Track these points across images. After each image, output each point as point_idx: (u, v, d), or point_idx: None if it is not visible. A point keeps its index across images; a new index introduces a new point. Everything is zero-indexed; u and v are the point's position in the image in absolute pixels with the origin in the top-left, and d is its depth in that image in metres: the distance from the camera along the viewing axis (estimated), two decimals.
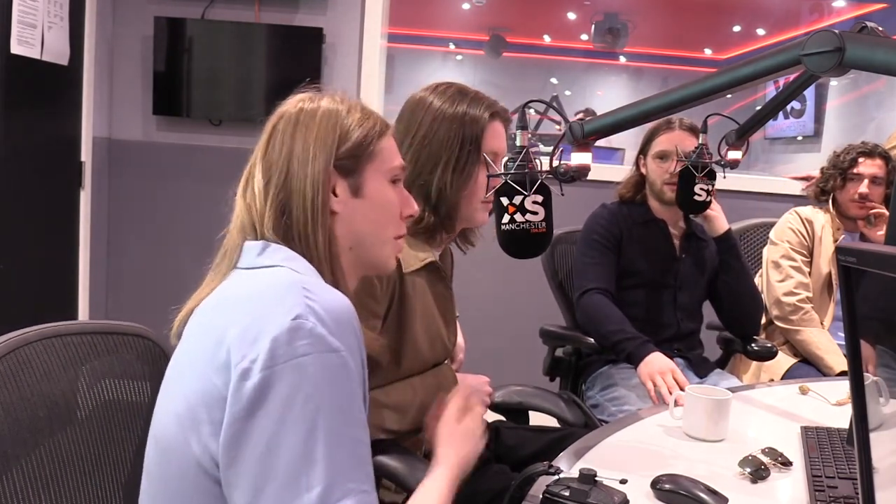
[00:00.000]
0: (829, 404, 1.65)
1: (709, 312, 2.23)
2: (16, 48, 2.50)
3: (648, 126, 2.14)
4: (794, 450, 1.33)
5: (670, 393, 1.65)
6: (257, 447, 0.79)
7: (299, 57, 3.14)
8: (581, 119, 1.41)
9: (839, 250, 0.75)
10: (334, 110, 1.01)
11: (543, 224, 1.26)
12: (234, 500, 0.82)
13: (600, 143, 1.72)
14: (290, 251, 0.95)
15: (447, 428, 1.13)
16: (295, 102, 1.02)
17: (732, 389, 1.53)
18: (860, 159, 2.36)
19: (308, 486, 0.79)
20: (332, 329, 0.84)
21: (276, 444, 0.79)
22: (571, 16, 7.57)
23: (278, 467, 0.79)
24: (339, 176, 0.99)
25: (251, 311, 0.85)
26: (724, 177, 1.96)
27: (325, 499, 0.79)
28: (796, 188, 3.11)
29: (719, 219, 2.10)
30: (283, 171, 0.97)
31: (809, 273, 2.40)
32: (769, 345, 2.15)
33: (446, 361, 1.52)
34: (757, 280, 2.47)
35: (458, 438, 1.11)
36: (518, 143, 1.28)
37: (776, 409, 1.61)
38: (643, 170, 2.16)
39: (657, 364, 1.80)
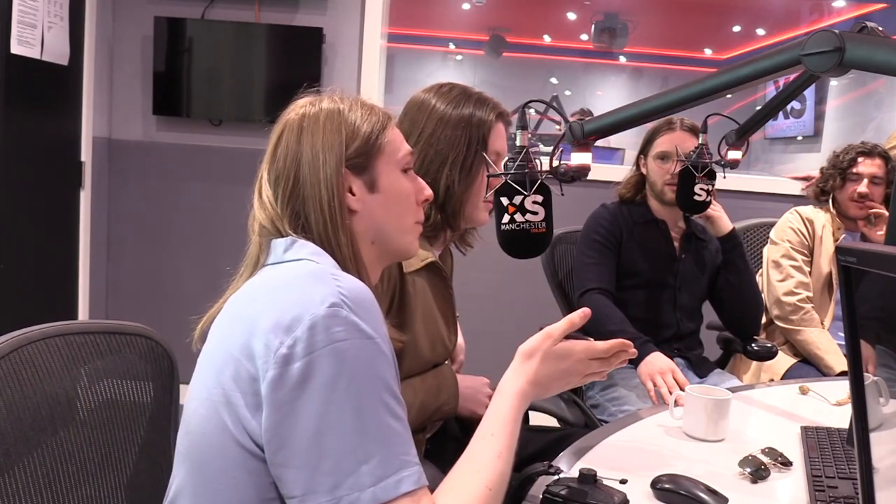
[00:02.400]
0: (829, 404, 1.65)
1: (709, 312, 2.23)
2: (16, 48, 2.50)
3: (649, 126, 2.14)
4: (794, 450, 1.33)
5: (670, 393, 1.65)
6: (307, 429, 0.81)
7: (299, 57, 3.14)
8: (578, 119, 1.41)
9: (839, 250, 0.75)
10: (336, 110, 1.01)
11: (543, 224, 1.26)
12: (287, 479, 0.83)
13: (600, 143, 1.72)
14: (316, 247, 0.96)
15: (532, 346, 1.07)
16: (296, 109, 1.03)
17: (732, 389, 1.53)
18: (860, 159, 2.36)
19: (365, 458, 0.80)
20: (364, 317, 0.85)
21: (327, 424, 0.81)
22: (571, 16, 7.57)
23: (332, 444, 0.80)
24: (353, 174, 1.00)
25: (284, 300, 0.86)
26: (724, 177, 1.96)
27: (385, 469, 0.81)
28: (796, 188, 3.12)
29: (723, 219, 2.10)
30: (292, 178, 0.98)
31: (810, 273, 2.40)
32: (769, 345, 2.15)
33: (446, 362, 1.52)
34: (757, 280, 2.47)
35: (542, 360, 1.06)
36: (518, 143, 1.28)
37: (776, 409, 1.61)
38: (643, 170, 2.16)
39: (657, 364, 1.81)
